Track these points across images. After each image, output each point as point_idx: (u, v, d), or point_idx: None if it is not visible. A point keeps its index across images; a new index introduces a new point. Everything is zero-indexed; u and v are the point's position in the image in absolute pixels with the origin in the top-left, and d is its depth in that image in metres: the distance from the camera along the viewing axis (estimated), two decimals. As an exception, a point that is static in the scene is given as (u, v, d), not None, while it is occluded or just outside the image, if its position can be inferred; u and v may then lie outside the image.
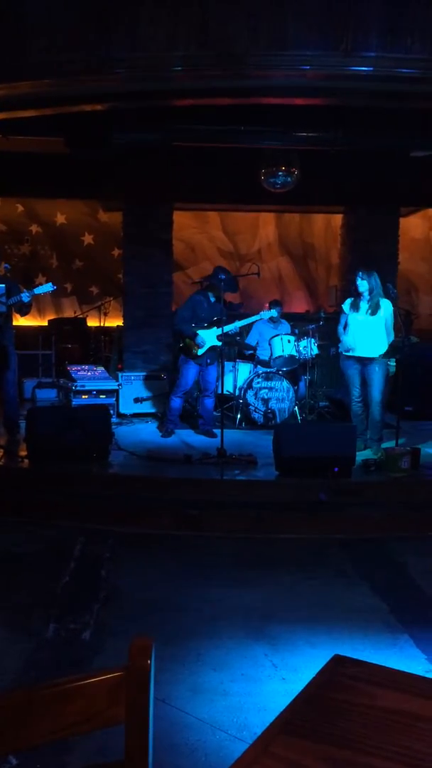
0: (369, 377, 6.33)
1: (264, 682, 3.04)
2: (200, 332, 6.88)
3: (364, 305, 6.28)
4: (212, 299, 7.00)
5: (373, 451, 6.31)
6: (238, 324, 6.94)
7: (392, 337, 6.32)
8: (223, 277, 6.66)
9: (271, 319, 8.25)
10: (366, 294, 6.25)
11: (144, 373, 8.48)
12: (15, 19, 5.41)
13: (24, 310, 6.46)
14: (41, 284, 10.78)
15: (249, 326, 8.47)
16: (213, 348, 6.95)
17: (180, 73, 5.50)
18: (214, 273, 6.87)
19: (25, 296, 6.27)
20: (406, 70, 5.41)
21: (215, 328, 6.86)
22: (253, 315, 7.58)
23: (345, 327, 6.38)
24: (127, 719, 1.27)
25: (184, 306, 7.09)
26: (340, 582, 4.21)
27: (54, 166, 8.85)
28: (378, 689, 1.36)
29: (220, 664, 3.18)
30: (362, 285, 6.25)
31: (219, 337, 6.86)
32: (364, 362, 6.33)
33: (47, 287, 6.62)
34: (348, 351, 6.38)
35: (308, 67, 5.40)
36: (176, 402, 7.14)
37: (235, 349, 8.26)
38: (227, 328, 6.81)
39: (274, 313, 7.53)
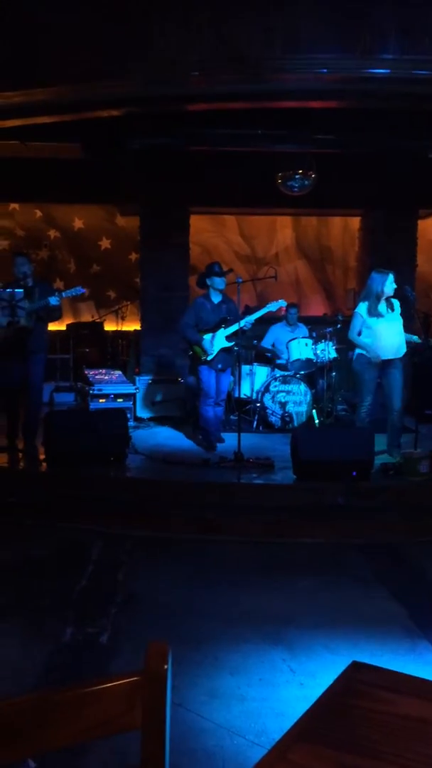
0: (389, 381, 6.23)
1: (282, 687, 3.02)
2: (206, 336, 6.60)
3: (382, 307, 6.19)
4: (215, 300, 6.70)
5: (392, 455, 6.26)
6: (250, 318, 6.61)
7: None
8: (217, 268, 6.63)
9: (288, 322, 8.23)
10: (384, 296, 6.16)
11: (161, 377, 8.50)
12: (31, 27, 5.47)
13: (54, 314, 6.29)
14: (59, 288, 10.87)
15: (263, 329, 8.46)
16: (225, 350, 6.66)
17: (195, 77, 5.52)
18: (209, 269, 6.72)
19: (54, 299, 6.10)
20: (424, 71, 5.39)
21: (222, 329, 6.61)
22: (267, 315, 7.30)
23: (360, 333, 6.26)
24: (144, 724, 1.27)
25: (187, 312, 6.84)
26: (358, 587, 4.18)
27: (71, 171, 8.91)
28: (397, 696, 1.34)
29: (238, 669, 3.17)
30: (392, 287, 6.11)
31: (228, 338, 6.60)
32: (384, 366, 6.24)
33: (77, 290, 6.44)
34: (376, 358, 6.14)
35: (325, 70, 5.40)
36: (208, 411, 6.72)
37: (252, 352, 8.23)
38: (235, 326, 6.53)
39: (282, 303, 7.16)
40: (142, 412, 8.15)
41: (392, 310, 6.18)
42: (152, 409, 8.22)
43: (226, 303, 6.74)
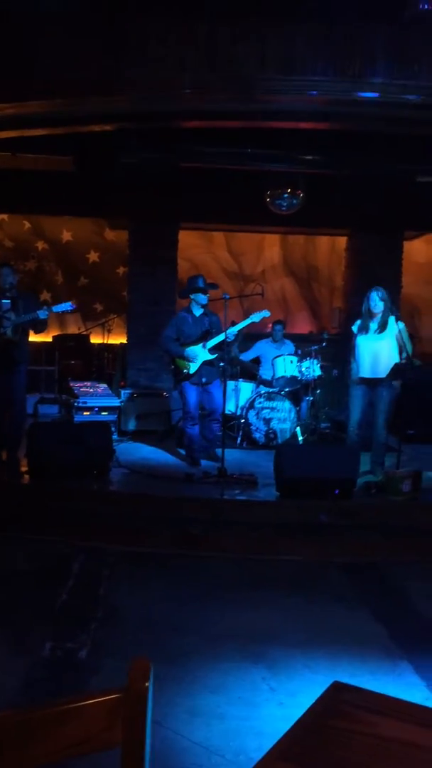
0: (375, 400, 6.28)
1: (261, 706, 3.01)
2: (188, 348, 6.58)
3: (373, 325, 6.24)
4: (197, 313, 6.68)
5: (375, 474, 6.29)
6: (234, 329, 6.56)
7: (410, 350, 6.22)
8: (201, 283, 6.55)
9: (273, 339, 8.28)
10: (377, 314, 6.21)
11: (146, 391, 8.48)
12: (25, 39, 5.49)
13: (39, 327, 6.27)
14: (47, 300, 10.85)
15: (249, 345, 8.48)
16: (208, 363, 6.59)
17: (188, 95, 5.57)
18: (192, 282, 6.67)
19: (43, 313, 6.08)
20: (413, 96, 5.48)
21: (205, 341, 6.57)
22: (254, 331, 7.24)
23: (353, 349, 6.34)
24: (124, 742, 1.25)
25: (169, 325, 6.78)
26: (339, 606, 4.18)
27: (61, 184, 8.93)
28: (377, 717, 1.34)
29: (218, 687, 3.15)
30: (380, 305, 6.17)
31: (211, 350, 6.55)
32: (371, 384, 6.27)
33: (66, 306, 6.42)
34: (356, 375, 6.27)
35: (315, 93, 5.47)
36: (192, 430, 6.68)
37: (238, 368, 8.25)
38: (218, 338, 6.48)
39: (266, 313, 7.07)
40: (127, 426, 8.12)
41: (381, 329, 6.20)
42: (137, 422, 8.19)
43: (209, 316, 6.70)
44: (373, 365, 6.20)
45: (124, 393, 8.28)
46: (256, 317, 6.89)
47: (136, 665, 1.27)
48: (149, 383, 9.07)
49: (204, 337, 6.59)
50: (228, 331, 6.49)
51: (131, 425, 8.14)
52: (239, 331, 6.76)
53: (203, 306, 6.69)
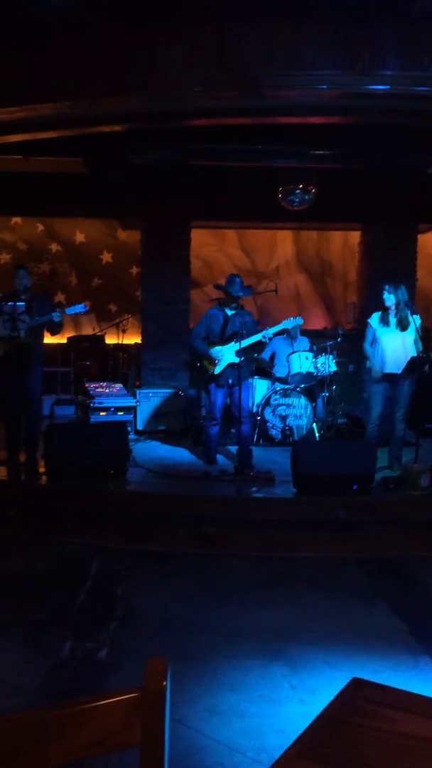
0: (396, 394, 6.25)
1: (282, 704, 3.00)
2: (213, 349, 6.37)
3: (392, 320, 6.21)
4: (229, 312, 6.43)
5: (393, 468, 6.25)
6: (269, 332, 6.38)
7: (419, 347, 6.17)
8: (238, 280, 6.37)
9: (288, 335, 8.24)
10: (393, 308, 6.19)
11: (162, 390, 8.50)
12: (35, 42, 5.51)
13: (54, 330, 6.29)
14: (61, 302, 10.88)
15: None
16: (232, 365, 6.31)
17: (198, 94, 5.57)
18: (229, 284, 6.40)
19: (56, 316, 6.11)
20: (423, 87, 5.43)
21: (233, 343, 6.28)
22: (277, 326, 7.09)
23: (372, 343, 6.30)
24: (142, 742, 1.25)
25: (199, 322, 6.65)
26: (358, 602, 4.16)
27: (73, 185, 8.96)
28: (398, 714, 1.33)
29: (238, 685, 3.15)
30: (389, 299, 6.14)
31: (237, 353, 6.23)
32: (392, 379, 6.23)
33: (80, 308, 6.43)
34: (379, 371, 6.20)
35: (325, 87, 5.44)
36: (212, 429, 6.58)
37: (253, 365, 8.21)
38: (248, 341, 6.23)
39: (300, 320, 7.03)
40: (143, 425, 8.14)
41: (400, 324, 6.17)
42: (152, 422, 8.21)
43: (240, 315, 6.35)
44: (396, 360, 6.15)
45: (141, 393, 8.30)
46: (288, 323, 6.81)
47: (153, 665, 1.26)
48: (164, 383, 9.07)
49: (233, 338, 6.32)
50: (260, 334, 6.31)
51: (147, 425, 8.15)
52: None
53: (237, 305, 6.43)
